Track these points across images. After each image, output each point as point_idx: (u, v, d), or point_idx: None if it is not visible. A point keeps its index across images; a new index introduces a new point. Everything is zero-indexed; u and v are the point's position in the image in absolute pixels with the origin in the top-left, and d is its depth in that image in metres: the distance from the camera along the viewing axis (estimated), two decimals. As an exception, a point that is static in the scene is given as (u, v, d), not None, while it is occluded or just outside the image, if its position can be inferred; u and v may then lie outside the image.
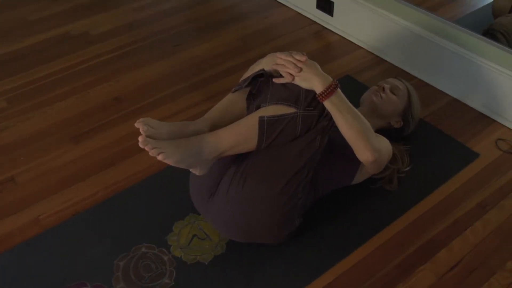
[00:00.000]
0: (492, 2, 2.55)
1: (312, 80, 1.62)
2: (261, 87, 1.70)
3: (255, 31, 2.95)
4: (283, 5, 3.17)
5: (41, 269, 1.77)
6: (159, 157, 1.50)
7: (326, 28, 2.95)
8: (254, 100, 1.71)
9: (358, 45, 2.80)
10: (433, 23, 2.39)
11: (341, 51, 2.77)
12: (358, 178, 1.92)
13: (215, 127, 1.67)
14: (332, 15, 2.88)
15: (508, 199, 1.97)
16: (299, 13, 3.09)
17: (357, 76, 2.56)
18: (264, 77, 1.69)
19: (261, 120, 1.58)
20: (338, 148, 1.82)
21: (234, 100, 1.74)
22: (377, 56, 2.72)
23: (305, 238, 1.84)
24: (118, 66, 2.71)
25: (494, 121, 2.30)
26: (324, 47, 2.82)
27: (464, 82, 2.37)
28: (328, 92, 1.60)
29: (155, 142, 1.51)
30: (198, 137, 1.59)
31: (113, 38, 2.94)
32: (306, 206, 1.78)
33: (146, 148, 1.50)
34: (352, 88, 2.47)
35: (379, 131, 1.99)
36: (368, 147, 1.64)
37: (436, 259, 1.77)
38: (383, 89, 2.04)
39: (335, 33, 2.91)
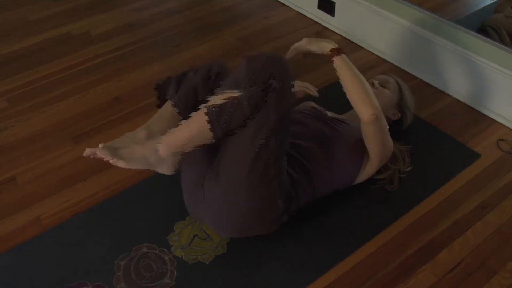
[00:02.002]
0: (495, 4, 2.55)
1: (319, 42, 1.79)
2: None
3: (256, 31, 2.96)
4: (284, 5, 3.18)
5: (42, 269, 1.78)
6: (113, 161, 1.54)
7: (327, 28, 2.96)
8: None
9: (359, 45, 2.81)
10: (434, 23, 2.40)
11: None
12: (361, 177, 1.93)
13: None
14: (333, 15, 2.89)
15: (508, 200, 1.97)
16: (300, 13, 3.10)
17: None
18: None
19: (208, 110, 1.58)
20: (340, 148, 1.84)
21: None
22: (378, 57, 2.73)
23: (305, 239, 1.85)
24: (118, 66, 2.72)
25: (495, 121, 2.31)
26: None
27: (465, 83, 2.37)
28: (338, 50, 1.74)
29: (113, 149, 1.57)
30: (154, 138, 1.64)
31: (114, 38, 2.95)
32: (293, 192, 1.77)
33: (102, 155, 1.54)
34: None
35: None
36: (371, 103, 1.69)
37: (437, 260, 1.78)
38: (373, 84, 2.07)
39: (336, 33, 2.92)
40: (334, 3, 2.84)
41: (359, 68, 2.59)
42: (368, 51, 2.77)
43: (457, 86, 2.42)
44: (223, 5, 3.21)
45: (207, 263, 1.78)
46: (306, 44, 1.84)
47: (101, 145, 1.55)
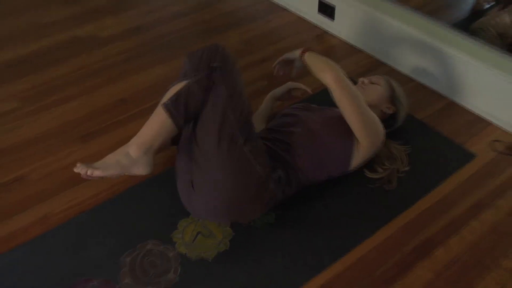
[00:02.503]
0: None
1: (292, 51, 2.03)
2: None
3: (258, 34, 2.95)
4: (286, 9, 3.17)
5: (50, 265, 1.76)
6: (88, 172, 1.59)
7: (327, 31, 2.95)
8: None
9: (358, 48, 2.80)
10: (430, 27, 2.38)
11: (342, 54, 2.76)
12: (355, 160, 1.92)
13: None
14: (333, 19, 2.88)
15: (503, 199, 1.95)
16: (301, 17, 3.09)
17: (357, 78, 2.55)
18: None
19: (164, 105, 1.66)
20: (326, 130, 1.90)
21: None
22: (377, 59, 2.71)
23: (305, 237, 1.84)
24: (125, 68, 2.71)
25: (491, 123, 2.29)
26: (325, 50, 2.80)
27: (461, 85, 2.36)
28: (306, 49, 1.94)
29: (87, 163, 1.62)
30: (125, 144, 1.69)
31: (121, 41, 2.93)
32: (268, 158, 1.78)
33: (79, 171, 1.60)
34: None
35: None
36: (330, 67, 1.83)
37: (434, 257, 1.76)
38: (363, 82, 2.12)
39: (336, 36, 2.90)
40: (334, 7, 2.83)
41: (359, 70, 2.61)
42: (367, 53, 2.76)
43: (453, 89, 2.40)
44: (228, 9, 3.20)
45: (210, 259, 1.77)
46: (285, 55, 2.07)
47: (77, 164, 1.61)
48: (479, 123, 2.30)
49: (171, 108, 1.65)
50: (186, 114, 1.67)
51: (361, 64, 2.69)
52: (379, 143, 1.95)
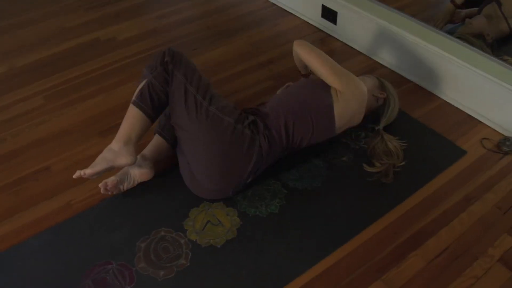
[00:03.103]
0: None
1: None
2: None
3: (265, 38, 2.95)
4: (291, 14, 3.17)
5: (72, 249, 1.79)
6: (81, 173, 1.78)
7: (330, 35, 2.95)
8: None
9: (359, 51, 2.80)
10: (426, 32, 2.39)
11: (343, 57, 2.77)
12: (339, 109, 1.97)
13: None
14: (335, 24, 2.88)
15: (491, 193, 1.97)
16: (306, 22, 3.09)
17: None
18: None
19: (133, 102, 1.84)
20: (309, 90, 2.02)
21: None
22: (376, 62, 2.71)
23: (307, 227, 1.85)
24: (141, 68, 2.70)
25: (480, 122, 2.30)
26: (327, 53, 2.77)
27: (455, 87, 2.36)
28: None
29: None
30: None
31: (138, 43, 2.95)
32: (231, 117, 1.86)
33: (76, 176, 1.80)
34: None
35: (376, 111, 2.19)
36: (298, 41, 2.05)
37: (426, 246, 1.78)
38: None
39: (338, 40, 2.91)
40: (337, 12, 2.83)
41: (359, 72, 2.61)
42: (367, 56, 2.76)
43: (447, 89, 2.40)
44: (237, 14, 3.21)
45: (219, 246, 1.79)
46: None
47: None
48: (470, 122, 2.30)
49: (138, 102, 1.82)
50: (152, 104, 1.83)
51: (361, 66, 2.69)
52: (358, 92, 2.00)
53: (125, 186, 1.95)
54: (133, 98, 1.84)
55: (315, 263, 1.74)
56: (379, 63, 2.70)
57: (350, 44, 2.85)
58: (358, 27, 2.74)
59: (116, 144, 1.81)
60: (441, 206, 1.93)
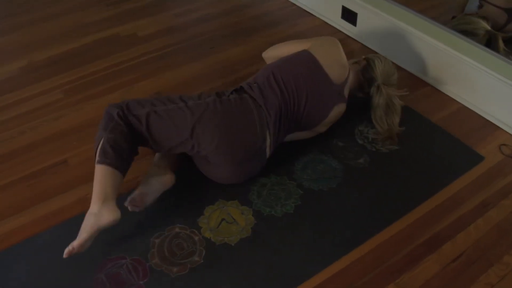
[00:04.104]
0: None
1: None
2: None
3: (284, 37, 2.94)
4: (311, 14, 3.16)
5: (87, 242, 1.79)
6: (70, 248, 1.62)
7: (349, 36, 2.93)
8: None
9: (378, 53, 2.77)
10: (445, 35, 2.36)
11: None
12: (318, 54, 2.05)
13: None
14: (355, 25, 2.86)
15: (508, 199, 1.94)
16: (325, 22, 3.07)
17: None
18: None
19: (97, 162, 1.72)
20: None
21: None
22: (395, 63, 2.68)
23: (322, 227, 1.84)
24: (160, 64, 2.73)
25: (499, 128, 2.26)
26: (346, 54, 2.77)
27: (474, 91, 2.33)
28: None
29: None
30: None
31: (157, 39, 2.95)
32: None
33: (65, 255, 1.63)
34: (370, 92, 2.45)
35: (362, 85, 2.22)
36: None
37: (441, 251, 1.76)
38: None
39: (357, 41, 2.89)
40: (356, 14, 2.81)
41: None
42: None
43: (466, 94, 2.38)
44: (255, 13, 3.20)
45: (233, 244, 1.79)
46: None
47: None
48: (488, 127, 2.27)
49: (101, 159, 1.69)
50: (116, 155, 1.70)
51: (379, 68, 2.67)
52: (325, 37, 2.17)
53: (151, 197, 1.85)
54: (96, 160, 1.72)
55: (329, 263, 1.72)
56: (398, 65, 2.67)
57: (369, 45, 2.83)
58: (378, 28, 2.72)
59: (94, 206, 1.67)
60: (458, 211, 1.90)
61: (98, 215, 1.64)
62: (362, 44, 2.86)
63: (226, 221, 1.87)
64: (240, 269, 1.71)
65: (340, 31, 2.98)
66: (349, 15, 2.87)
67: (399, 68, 2.66)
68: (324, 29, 3.01)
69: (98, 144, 1.73)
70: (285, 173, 2.04)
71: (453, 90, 2.43)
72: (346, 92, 2.15)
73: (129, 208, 1.80)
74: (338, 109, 2.11)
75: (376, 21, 2.72)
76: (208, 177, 1.98)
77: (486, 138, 2.21)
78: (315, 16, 3.14)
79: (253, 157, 1.90)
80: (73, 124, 2.34)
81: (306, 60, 2.04)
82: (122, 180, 1.74)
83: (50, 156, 2.17)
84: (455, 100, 2.43)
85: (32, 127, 2.33)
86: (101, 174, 1.69)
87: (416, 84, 2.53)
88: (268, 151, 1.95)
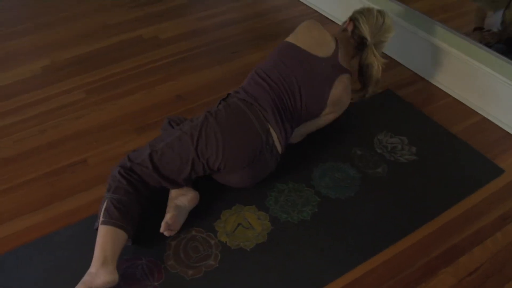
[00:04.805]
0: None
1: None
2: None
3: (306, 44, 2.93)
4: (333, 22, 3.15)
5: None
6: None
7: (370, 45, 2.91)
8: None
9: (399, 62, 2.76)
10: (467, 46, 2.34)
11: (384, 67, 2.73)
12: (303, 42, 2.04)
13: None
14: (376, 34, 2.84)
15: (528, 214, 1.91)
16: (347, 30, 3.06)
17: (396, 90, 2.53)
18: None
19: (101, 222, 1.68)
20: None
21: None
22: (415, 74, 2.67)
23: (337, 235, 1.83)
24: (181, 68, 2.74)
25: (520, 141, 2.24)
26: (367, 63, 2.78)
27: (495, 103, 2.31)
28: None
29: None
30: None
31: (179, 42, 2.97)
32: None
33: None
34: (391, 101, 2.44)
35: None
36: None
37: (457, 264, 1.74)
38: None
39: (378, 50, 2.87)
40: (378, 23, 2.79)
41: (399, 83, 2.57)
42: (407, 67, 2.72)
43: (487, 106, 2.35)
44: (278, 19, 3.20)
45: (248, 249, 1.78)
46: None
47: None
48: (509, 140, 2.24)
49: (106, 220, 1.67)
50: (120, 215, 1.68)
51: (400, 77, 2.65)
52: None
53: (181, 219, 1.85)
54: (99, 221, 1.69)
55: (344, 272, 1.71)
56: (418, 75, 2.65)
57: (390, 54, 2.81)
58: (398, 37, 2.70)
59: (93, 266, 1.62)
60: (476, 224, 1.88)
61: (95, 276, 1.60)
62: (383, 53, 2.83)
63: (243, 226, 1.86)
64: (254, 275, 1.70)
65: (362, 39, 2.96)
66: (371, 24, 2.85)
67: (420, 78, 2.64)
68: (345, 36, 2.99)
69: (103, 206, 1.72)
70: (303, 180, 2.03)
71: (474, 101, 2.40)
72: (344, 62, 2.07)
73: (166, 234, 1.79)
74: (342, 83, 2.05)
75: (396, 29, 2.69)
76: (223, 183, 1.98)
77: (507, 151, 2.18)
78: (337, 24, 3.13)
79: (262, 155, 1.89)
80: (94, 124, 2.36)
81: (284, 48, 2.04)
82: (125, 240, 1.69)
83: (70, 155, 2.19)
84: (476, 111, 2.40)
85: (53, 125, 2.36)
86: (103, 235, 1.65)
87: (436, 94, 2.51)
88: (278, 146, 1.93)
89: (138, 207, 1.76)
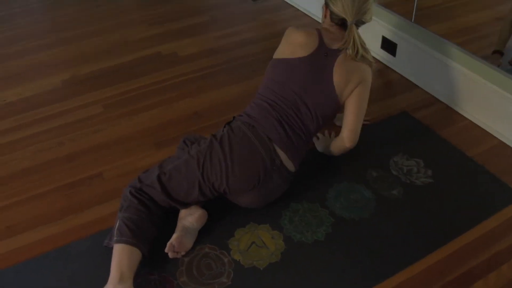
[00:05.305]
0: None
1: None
2: None
3: (323, 64, 2.93)
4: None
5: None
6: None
7: (388, 66, 2.92)
8: None
9: (416, 85, 2.75)
10: (485, 69, 2.32)
11: (400, 89, 2.72)
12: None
13: None
14: (394, 56, 2.85)
15: (546, 241, 1.88)
16: (364, 51, 3.06)
17: (413, 113, 2.51)
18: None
19: (114, 242, 1.72)
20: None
21: None
22: (432, 96, 2.66)
23: (352, 256, 1.81)
24: (199, 85, 2.76)
25: (538, 166, 2.21)
26: (385, 84, 2.78)
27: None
28: None
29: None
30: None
31: (197, 60, 2.99)
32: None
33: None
34: (408, 124, 2.43)
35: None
36: None
37: (472, 290, 1.71)
38: None
39: (396, 71, 2.87)
40: (396, 44, 2.80)
41: (415, 105, 2.56)
42: (424, 90, 2.71)
43: (504, 129, 2.33)
44: (296, 39, 3.21)
45: (261, 268, 1.77)
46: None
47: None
48: (527, 165, 2.22)
49: (119, 238, 1.69)
50: (132, 233, 1.71)
51: (417, 99, 2.63)
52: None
53: (190, 239, 1.84)
54: (113, 240, 1.72)
55: (356, 295, 1.69)
56: (435, 98, 2.64)
57: (407, 76, 2.81)
58: (417, 60, 2.70)
59: (110, 284, 1.62)
60: (491, 249, 1.85)
61: None
62: (400, 75, 2.84)
63: (256, 245, 1.85)
64: (267, 294, 1.69)
65: (379, 61, 2.97)
66: (388, 46, 2.86)
67: (437, 100, 2.62)
68: (363, 58, 2.99)
69: (116, 226, 1.75)
70: (318, 200, 2.02)
71: (491, 124, 2.39)
72: (335, 46, 1.97)
73: (170, 255, 1.79)
74: (338, 64, 1.96)
75: (415, 52, 2.70)
76: (235, 203, 1.98)
77: (524, 176, 2.16)
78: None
79: (268, 177, 1.88)
80: (111, 139, 2.37)
81: (271, 67, 2.05)
82: (139, 257, 1.70)
83: (86, 168, 2.21)
84: (492, 135, 2.38)
85: (71, 138, 2.38)
86: (119, 253, 1.68)
87: (453, 117, 2.49)
88: (289, 164, 1.91)
89: (151, 226, 1.78)
